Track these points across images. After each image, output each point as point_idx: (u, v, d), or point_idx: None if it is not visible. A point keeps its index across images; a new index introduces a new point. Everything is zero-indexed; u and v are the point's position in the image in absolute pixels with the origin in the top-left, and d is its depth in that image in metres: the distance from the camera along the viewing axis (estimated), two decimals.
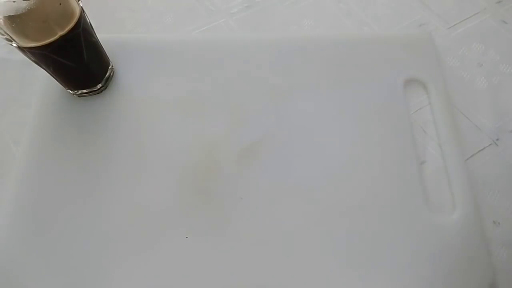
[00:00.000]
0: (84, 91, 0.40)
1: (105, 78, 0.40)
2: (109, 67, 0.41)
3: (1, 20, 0.30)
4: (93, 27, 0.37)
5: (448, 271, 0.32)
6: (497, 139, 0.39)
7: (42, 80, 0.41)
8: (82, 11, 0.34)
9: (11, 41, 0.32)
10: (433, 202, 0.35)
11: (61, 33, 0.32)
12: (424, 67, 0.42)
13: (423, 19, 0.48)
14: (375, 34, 0.46)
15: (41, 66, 0.36)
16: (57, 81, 0.39)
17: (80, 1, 0.34)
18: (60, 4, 0.32)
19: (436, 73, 0.42)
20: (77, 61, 0.36)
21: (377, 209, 0.35)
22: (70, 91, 0.40)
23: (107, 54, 0.41)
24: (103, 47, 0.40)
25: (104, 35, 0.40)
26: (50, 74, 0.38)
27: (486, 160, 0.38)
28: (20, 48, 0.33)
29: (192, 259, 0.33)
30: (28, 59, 0.35)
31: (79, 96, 0.40)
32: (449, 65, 0.44)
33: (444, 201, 0.35)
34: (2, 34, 0.31)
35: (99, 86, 0.40)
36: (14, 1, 0.29)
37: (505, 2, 0.49)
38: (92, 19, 0.37)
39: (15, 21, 0.30)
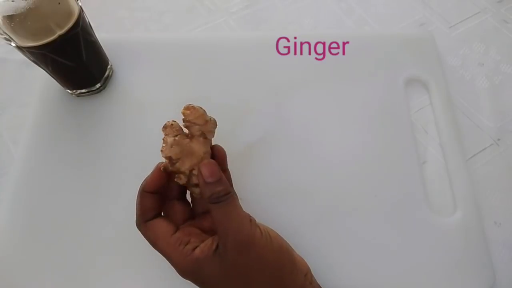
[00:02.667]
0: (83, 90, 0.40)
1: (104, 77, 0.40)
2: (108, 67, 0.41)
3: (0, 20, 0.30)
4: (92, 27, 0.37)
5: (449, 272, 0.32)
6: (498, 139, 0.39)
7: (41, 80, 0.41)
8: (81, 10, 0.34)
9: (10, 41, 0.32)
10: (434, 202, 0.35)
11: (60, 32, 0.32)
12: (425, 66, 0.42)
13: (424, 18, 0.48)
14: (376, 33, 0.46)
15: (40, 66, 0.36)
16: (56, 80, 0.39)
17: (79, 1, 0.34)
18: (59, 3, 0.32)
19: (437, 73, 0.41)
20: (76, 60, 0.36)
21: (377, 209, 0.35)
22: (69, 90, 0.40)
23: (106, 54, 0.41)
24: (102, 46, 0.40)
25: (103, 34, 0.40)
26: (49, 74, 0.37)
27: (487, 160, 0.38)
28: (19, 48, 0.32)
29: None
30: (27, 58, 0.35)
31: (78, 96, 0.40)
32: (450, 64, 0.44)
33: (445, 201, 0.35)
34: (1, 34, 0.31)
35: (98, 85, 0.40)
36: (13, 1, 0.29)
37: (506, 2, 0.49)
38: (91, 18, 0.37)
39: (14, 20, 0.30)
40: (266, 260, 0.25)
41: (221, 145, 0.31)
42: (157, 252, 0.30)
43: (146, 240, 0.28)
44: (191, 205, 0.30)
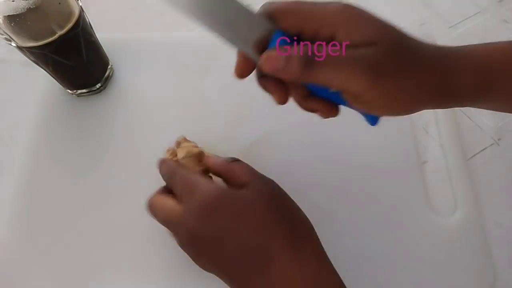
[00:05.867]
0: (83, 90, 0.40)
1: (104, 77, 0.40)
2: (108, 67, 0.41)
3: (1, 20, 0.30)
4: (93, 27, 0.37)
5: (449, 272, 0.32)
6: (499, 139, 0.39)
7: (41, 80, 0.41)
8: (82, 10, 0.34)
9: (11, 41, 0.32)
10: (435, 202, 0.35)
11: (60, 32, 0.32)
12: None
13: (424, 18, 0.48)
14: None
15: (40, 66, 0.36)
16: (57, 80, 0.39)
17: (79, 1, 0.34)
18: (60, 3, 0.32)
19: None
20: (76, 60, 0.36)
21: (378, 209, 0.35)
22: (69, 90, 0.40)
23: (107, 54, 0.41)
24: (103, 46, 0.40)
25: (103, 34, 0.39)
26: (50, 74, 0.37)
27: (488, 159, 0.38)
28: (20, 48, 0.33)
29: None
30: (27, 59, 0.35)
31: (78, 96, 0.40)
32: None
33: (446, 201, 0.35)
34: (2, 34, 0.31)
35: (98, 85, 0.40)
36: (13, 1, 0.29)
37: (506, 2, 0.49)
38: (92, 18, 0.37)
39: (14, 20, 0.30)
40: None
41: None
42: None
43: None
44: None
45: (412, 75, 0.23)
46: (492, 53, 0.27)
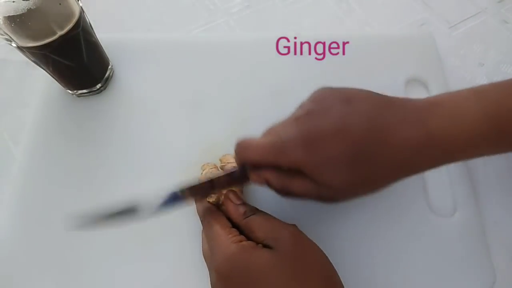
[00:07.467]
0: (84, 91, 0.40)
1: (104, 78, 0.40)
2: (109, 67, 0.41)
3: (1, 20, 0.30)
4: (93, 27, 0.37)
5: (449, 272, 0.32)
6: None
7: (41, 80, 0.41)
8: (82, 11, 0.34)
9: (11, 41, 0.32)
10: (434, 202, 0.35)
11: (60, 33, 0.32)
12: (425, 66, 0.42)
13: (424, 19, 0.48)
14: (376, 33, 0.46)
15: (40, 66, 0.36)
16: (57, 81, 0.39)
17: (79, 1, 0.34)
18: (60, 4, 0.32)
19: (437, 73, 0.41)
20: (77, 61, 0.36)
21: (378, 209, 0.35)
22: (69, 91, 0.40)
23: (107, 54, 0.41)
24: (103, 47, 0.40)
25: (103, 35, 0.40)
26: (50, 74, 0.37)
27: (488, 159, 0.38)
28: (20, 48, 0.33)
29: (193, 260, 0.33)
30: (27, 59, 0.35)
31: (78, 96, 0.40)
32: (450, 64, 0.44)
33: (445, 201, 0.35)
34: (2, 34, 0.31)
35: (98, 86, 0.40)
36: (13, 1, 0.29)
37: (506, 2, 0.49)
38: (92, 18, 0.37)
39: (15, 21, 0.30)
40: (316, 250, 0.27)
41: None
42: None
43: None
44: None
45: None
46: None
